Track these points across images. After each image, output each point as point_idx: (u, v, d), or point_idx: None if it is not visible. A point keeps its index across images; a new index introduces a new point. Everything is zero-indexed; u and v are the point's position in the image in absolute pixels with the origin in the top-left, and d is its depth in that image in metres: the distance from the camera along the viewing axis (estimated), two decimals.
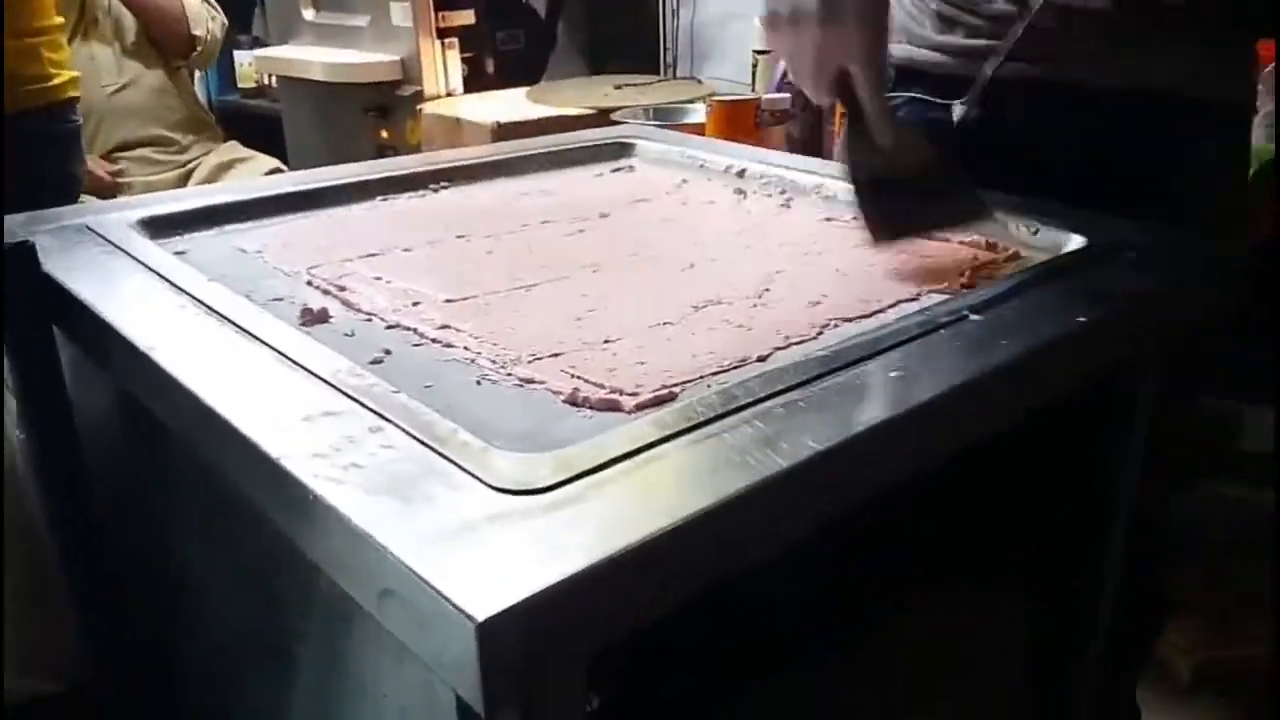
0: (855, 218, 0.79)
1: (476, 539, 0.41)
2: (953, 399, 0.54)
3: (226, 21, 2.44)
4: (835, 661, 0.63)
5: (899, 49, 1.00)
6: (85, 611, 0.85)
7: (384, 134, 2.21)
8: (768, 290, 0.71)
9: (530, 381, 0.58)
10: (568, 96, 1.94)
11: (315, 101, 2.40)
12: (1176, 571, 1.41)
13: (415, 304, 0.69)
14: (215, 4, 2.40)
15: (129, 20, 2.30)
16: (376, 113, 2.20)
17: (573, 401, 0.56)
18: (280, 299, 0.70)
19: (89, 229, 0.79)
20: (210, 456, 0.54)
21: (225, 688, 0.76)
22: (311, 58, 2.33)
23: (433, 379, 0.58)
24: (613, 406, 0.55)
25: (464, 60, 2.19)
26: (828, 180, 0.94)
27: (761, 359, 0.60)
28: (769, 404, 0.52)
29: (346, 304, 0.69)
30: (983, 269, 0.74)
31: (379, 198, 0.94)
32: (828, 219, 0.88)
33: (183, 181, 2.35)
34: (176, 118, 2.40)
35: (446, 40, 2.16)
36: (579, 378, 0.58)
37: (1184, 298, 0.75)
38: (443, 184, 0.99)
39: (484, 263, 0.78)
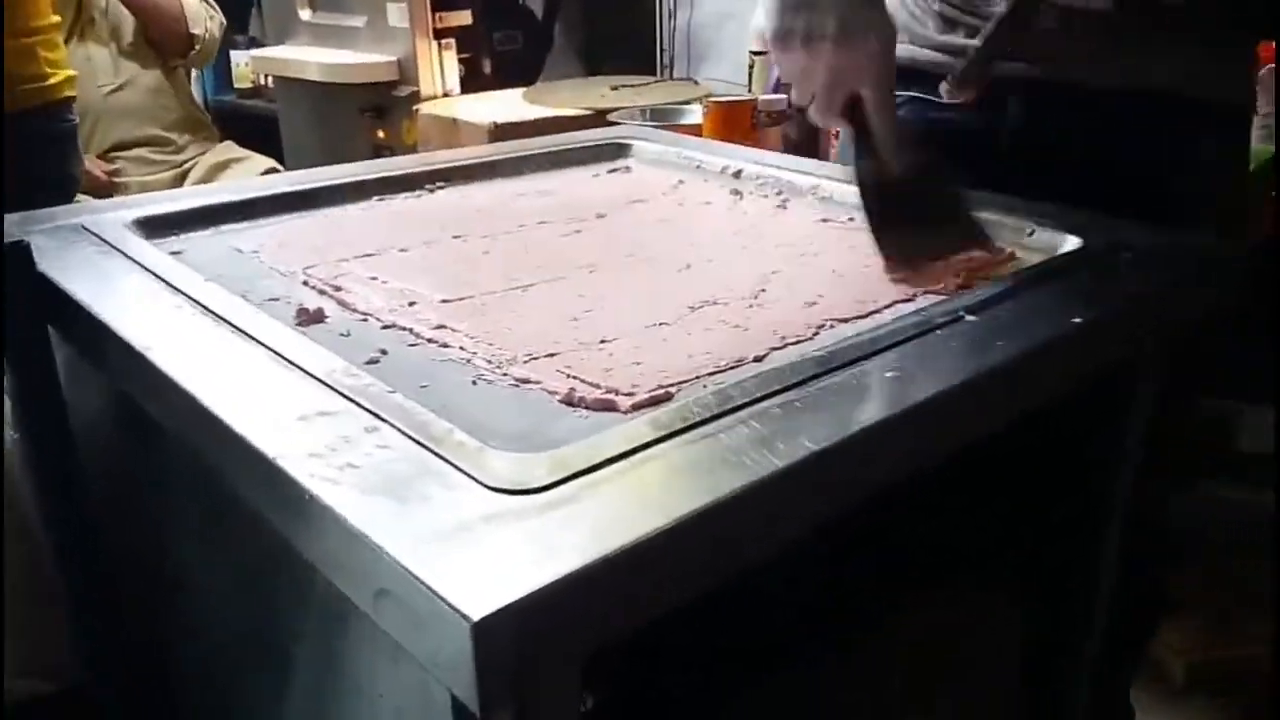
0: (871, 240, 0.78)
1: (472, 539, 0.41)
2: (948, 400, 0.54)
3: (224, 21, 2.44)
4: (831, 661, 0.63)
5: (901, 49, 1.00)
6: (81, 612, 0.85)
7: (380, 134, 2.21)
8: (764, 291, 0.71)
9: (526, 381, 0.58)
10: (564, 97, 1.94)
11: (311, 102, 2.39)
12: (1175, 572, 1.42)
13: (411, 304, 0.69)
14: (213, 3, 2.40)
15: (126, 20, 2.30)
16: (373, 113, 2.20)
17: (569, 401, 0.56)
18: (276, 299, 0.70)
19: (85, 229, 0.79)
20: (206, 457, 0.54)
21: (223, 688, 0.76)
22: (308, 58, 2.33)
23: (429, 379, 0.58)
24: (609, 407, 0.55)
25: (461, 61, 2.19)
26: (824, 181, 0.94)
27: (758, 359, 0.60)
28: (765, 404, 0.52)
29: (342, 304, 0.69)
30: (979, 270, 0.74)
31: (375, 198, 0.94)
32: (824, 220, 0.88)
33: (179, 181, 2.35)
34: (173, 118, 2.39)
35: (443, 41, 2.16)
36: (575, 378, 0.58)
37: (1181, 298, 0.75)
38: (439, 184, 0.99)
39: (480, 263, 0.78)
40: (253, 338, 0.59)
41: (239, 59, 3.10)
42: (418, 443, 0.48)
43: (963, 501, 0.68)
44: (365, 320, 0.67)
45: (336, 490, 0.43)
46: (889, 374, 0.56)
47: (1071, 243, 0.76)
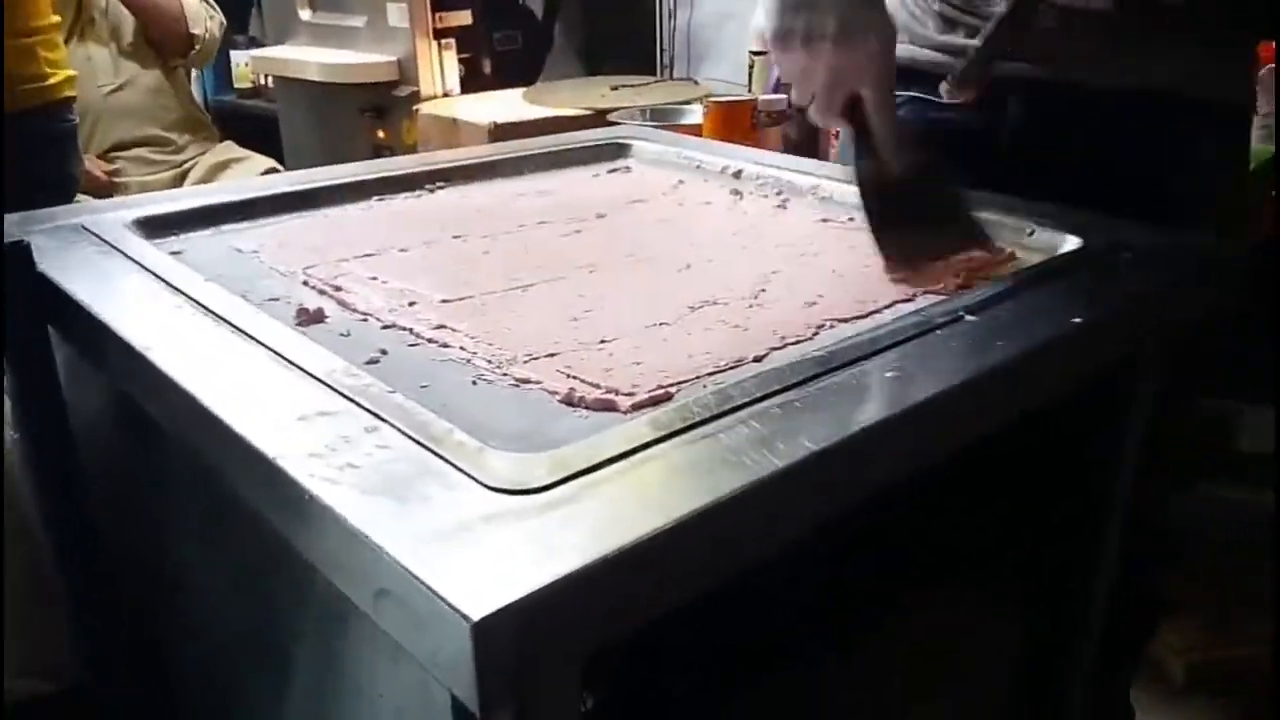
0: (871, 240, 0.78)
1: (472, 539, 0.41)
2: (948, 400, 0.54)
3: (224, 21, 2.44)
4: (831, 661, 0.63)
5: (900, 49, 1.00)
6: (81, 612, 0.85)
7: (380, 134, 2.21)
8: (764, 291, 0.71)
9: (526, 382, 0.58)
10: (564, 97, 1.94)
11: (311, 102, 2.40)
12: (1175, 572, 1.42)
13: (411, 304, 0.69)
14: (213, 3, 2.40)
15: (126, 20, 2.30)
16: (373, 113, 2.21)
17: (569, 401, 0.56)
18: (276, 299, 0.70)
19: (85, 229, 0.79)
20: (206, 457, 0.54)
21: (223, 688, 0.76)
22: (308, 58, 2.33)
23: (429, 379, 0.58)
24: (609, 407, 0.55)
25: (461, 61, 2.19)
26: (824, 181, 0.94)
27: (758, 359, 0.60)
28: (765, 404, 0.52)
29: (342, 304, 0.69)
30: (979, 270, 0.74)
31: (375, 198, 0.94)
32: (824, 220, 0.88)
33: (179, 181, 2.35)
34: (173, 118, 2.39)
35: (443, 41, 2.16)
36: (575, 378, 0.58)
37: (1181, 298, 0.75)
38: (439, 184, 0.99)
39: (480, 263, 0.78)
40: (253, 338, 0.59)
41: (239, 59, 3.10)
42: (418, 443, 0.48)
43: (962, 501, 0.68)
44: (365, 320, 0.67)
45: (336, 490, 0.43)
46: (889, 374, 0.56)
47: (1071, 243, 0.76)
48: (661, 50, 2.68)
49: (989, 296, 0.66)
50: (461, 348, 0.62)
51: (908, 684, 0.71)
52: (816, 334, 0.64)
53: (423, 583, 0.38)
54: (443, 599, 0.37)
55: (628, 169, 1.07)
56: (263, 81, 3.00)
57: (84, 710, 0.92)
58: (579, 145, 1.12)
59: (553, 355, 0.61)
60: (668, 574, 0.42)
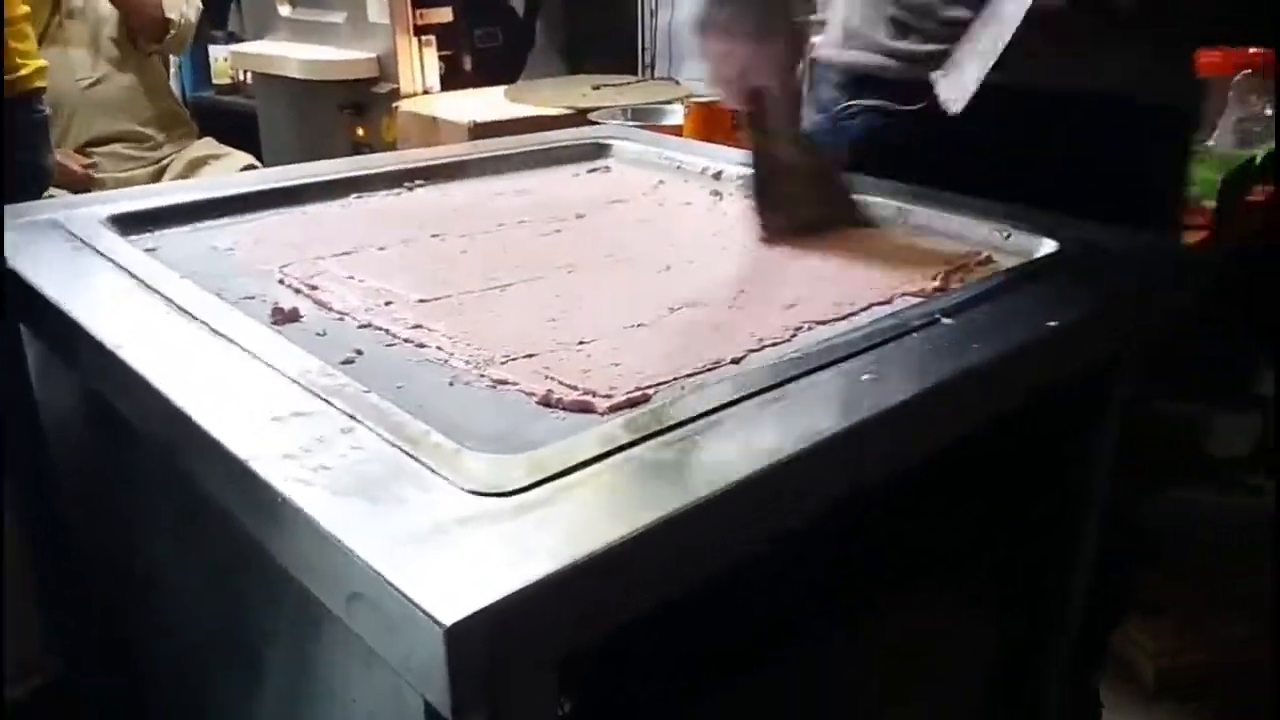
0: (754, 216, 0.86)
1: (446, 542, 0.41)
2: (924, 403, 0.54)
3: (201, 6, 2.42)
4: (806, 663, 0.63)
5: (854, 55, 1.01)
6: (52, 609, 0.84)
7: (360, 132, 2.20)
8: (743, 292, 0.71)
9: (503, 383, 0.57)
10: (545, 96, 1.93)
11: (290, 98, 2.38)
12: (1150, 573, 1.43)
13: (388, 303, 0.68)
14: None
15: (105, 14, 2.28)
16: (352, 110, 2.19)
17: (546, 403, 0.55)
18: (252, 297, 0.69)
19: (58, 224, 0.78)
20: (178, 457, 0.54)
21: (195, 688, 0.75)
22: (287, 54, 2.31)
23: (405, 379, 0.57)
24: (586, 408, 0.55)
25: (441, 58, 2.18)
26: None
27: (735, 361, 0.60)
28: (741, 407, 0.52)
29: (318, 303, 0.69)
30: (956, 273, 0.75)
31: (353, 195, 0.94)
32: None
33: (156, 178, 2.33)
34: (150, 113, 2.37)
35: (424, 38, 2.15)
36: (553, 379, 0.58)
37: (1156, 301, 0.75)
38: (418, 182, 0.98)
39: (458, 262, 0.77)
40: (227, 337, 0.59)
41: (218, 54, 3.07)
42: (393, 444, 0.47)
43: (938, 503, 0.68)
44: (341, 319, 0.66)
45: (309, 492, 0.43)
46: (865, 377, 0.56)
47: (1048, 246, 0.77)
48: (643, 50, 2.68)
49: (965, 299, 0.66)
50: (438, 348, 0.62)
51: (883, 686, 0.71)
52: (794, 336, 0.64)
53: (395, 587, 0.37)
54: (415, 603, 0.37)
55: (608, 169, 1.07)
56: (242, 77, 2.98)
57: (55, 709, 0.91)
58: (559, 145, 1.12)
59: (530, 356, 0.61)
60: (642, 577, 0.42)
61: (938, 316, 0.63)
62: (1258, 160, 1.53)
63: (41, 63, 1.49)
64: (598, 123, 1.59)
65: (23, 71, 1.44)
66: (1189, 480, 1.65)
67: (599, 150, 1.11)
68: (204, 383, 0.54)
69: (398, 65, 2.13)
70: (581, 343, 0.63)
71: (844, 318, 0.67)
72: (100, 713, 0.86)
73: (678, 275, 0.76)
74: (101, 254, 0.72)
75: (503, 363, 0.60)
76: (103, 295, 0.66)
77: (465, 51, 2.30)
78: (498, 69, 2.42)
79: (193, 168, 2.37)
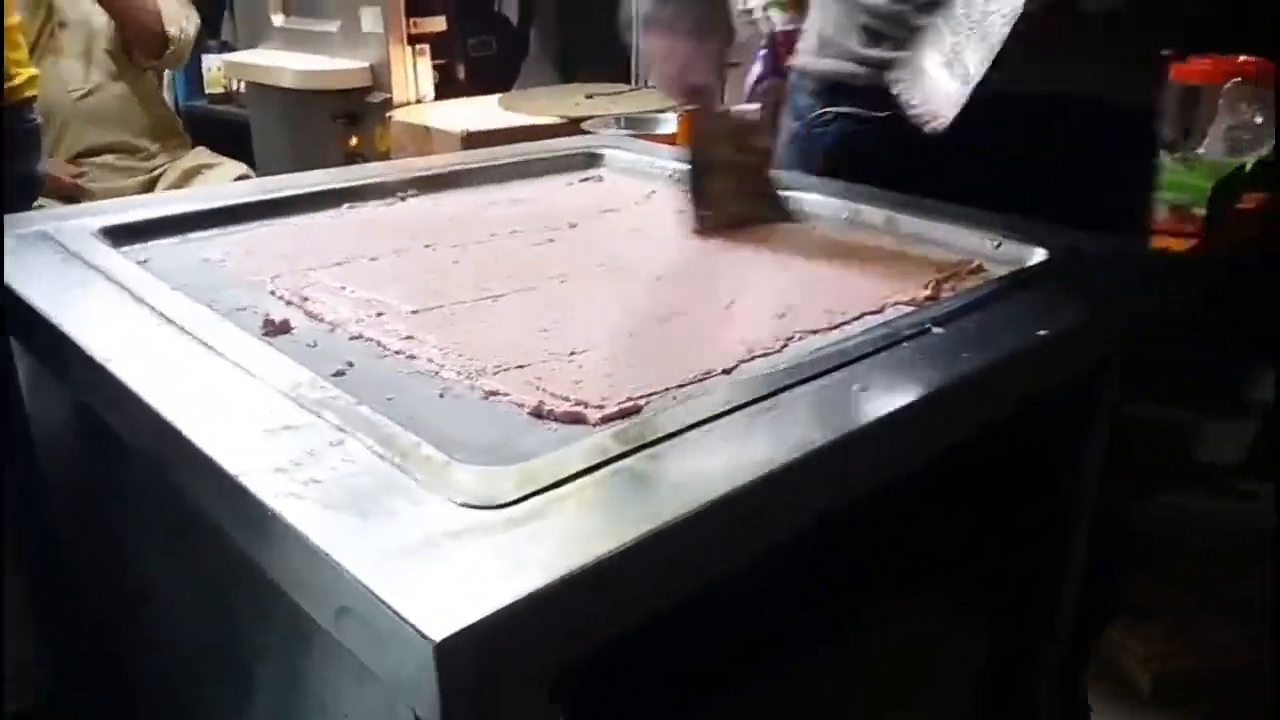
0: (685, 203, 0.90)
1: (437, 555, 0.40)
2: (914, 413, 0.54)
3: (200, 21, 2.41)
4: (798, 674, 0.63)
5: (828, 63, 1.02)
6: (43, 623, 0.83)
7: (353, 141, 2.20)
8: (734, 302, 0.71)
9: (495, 394, 0.57)
10: (539, 105, 1.94)
11: (284, 108, 2.38)
12: (1142, 577, 1.43)
13: (379, 314, 0.68)
14: (190, 3, 2.38)
15: (98, 24, 2.27)
16: (346, 119, 2.19)
17: (537, 414, 0.55)
18: (243, 309, 0.69)
19: (49, 236, 0.78)
20: (169, 471, 0.53)
21: (186, 703, 0.75)
22: (280, 63, 2.31)
23: (396, 391, 0.57)
24: (577, 419, 0.55)
25: (435, 67, 2.18)
26: (795, 193, 0.94)
27: (726, 371, 0.60)
28: (732, 418, 0.52)
29: (310, 314, 0.68)
30: (947, 281, 0.75)
31: (346, 206, 0.94)
32: (796, 231, 0.88)
33: (149, 188, 2.33)
34: (143, 124, 2.37)
35: (417, 47, 2.15)
36: (544, 390, 0.57)
37: (1145, 309, 0.75)
38: (411, 192, 0.98)
39: (450, 272, 0.77)
40: (217, 349, 0.59)
41: (211, 63, 3.07)
42: (383, 457, 0.47)
43: (928, 511, 0.68)
44: (333, 331, 0.66)
45: (299, 506, 0.43)
46: (856, 387, 0.56)
47: (1038, 255, 0.77)
48: (636, 59, 2.68)
49: (956, 308, 0.66)
50: (430, 359, 0.62)
51: (875, 695, 0.71)
52: (785, 346, 0.64)
53: (384, 601, 0.37)
54: (404, 618, 0.36)
55: (600, 178, 1.07)
56: (235, 87, 2.97)
57: None
58: (552, 154, 1.12)
59: (522, 367, 0.61)
60: (633, 590, 0.42)
61: (929, 326, 0.63)
62: (1248, 168, 1.54)
63: (33, 71, 1.49)
64: (591, 132, 1.59)
65: (16, 81, 1.44)
66: (1179, 485, 1.65)
67: (591, 160, 1.11)
68: (194, 396, 0.54)
69: (391, 74, 2.13)
70: (573, 353, 0.63)
71: (835, 327, 0.67)
72: None
73: (670, 285, 0.76)
74: (92, 266, 0.72)
75: (494, 374, 0.60)
76: (93, 308, 0.66)
77: (459, 61, 2.30)
78: (491, 78, 2.42)
79: (186, 178, 2.37)
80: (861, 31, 0.98)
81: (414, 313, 0.69)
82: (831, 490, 0.52)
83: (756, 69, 1.95)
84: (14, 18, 1.47)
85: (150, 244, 0.82)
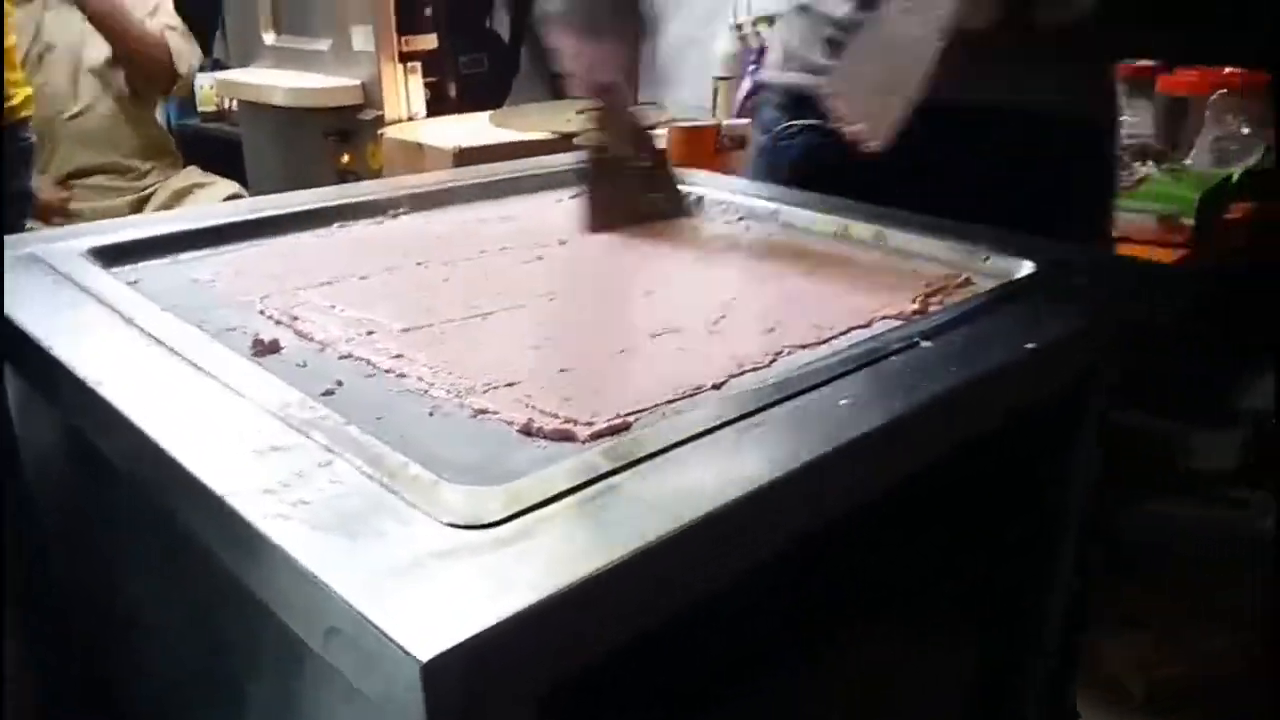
0: (579, 198, 0.94)
1: (424, 575, 0.40)
2: (903, 426, 0.54)
3: (201, 53, 2.43)
4: (786, 691, 0.62)
5: (792, 76, 1.03)
6: (33, 646, 0.83)
7: (345, 158, 2.20)
8: (724, 317, 0.72)
9: (484, 412, 0.57)
10: (530, 121, 1.94)
11: (276, 126, 2.38)
12: (1131, 585, 1.44)
13: (369, 333, 0.68)
14: (190, 33, 2.39)
15: (87, 46, 2.28)
16: (337, 137, 2.19)
17: (527, 432, 0.55)
18: (233, 329, 0.69)
19: (38, 258, 0.78)
20: (158, 493, 0.53)
21: None
22: (272, 81, 2.32)
23: (385, 411, 0.57)
24: (567, 437, 0.55)
25: (426, 84, 2.19)
26: (785, 207, 0.95)
27: (716, 387, 0.61)
28: (722, 433, 0.52)
29: (299, 334, 0.69)
30: (935, 295, 0.75)
31: (336, 224, 0.94)
32: (784, 245, 0.89)
33: (139, 208, 2.33)
34: (134, 144, 2.37)
35: (409, 64, 2.15)
36: (534, 407, 0.58)
37: (1133, 320, 0.76)
38: (400, 210, 0.98)
39: (440, 290, 0.78)
40: (207, 370, 0.59)
41: (203, 82, 3.07)
42: (371, 477, 0.47)
43: (915, 526, 0.68)
44: (322, 350, 0.66)
45: (287, 527, 0.43)
46: (844, 401, 0.56)
47: (1025, 268, 0.77)
48: None
49: (944, 322, 0.67)
50: (419, 378, 0.62)
51: (866, 710, 0.71)
52: (774, 361, 0.64)
53: (372, 622, 0.37)
54: (391, 639, 0.36)
55: None
56: (227, 105, 2.98)
57: None
58: (543, 171, 1.12)
59: (512, 384, 0.61)
60: (621, 609, 0.42)
61: (917, 340, 0.63)
62: (1235, 178, 1.55)
63: (29, 91, 1.50)
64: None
65: (13, 100, 1.45)
66: (1169, 494, 1.65)
67: (583, 176, 1.11)
68: (183, 418, 0.54)
69: (382, 92, 2.13)
70: (563, 370, 0.63)
71: (824, 342, 0.68)
72: None
73: (659, 301, 0.76)
74: (82, 287, 0.72)
75: (484, 392, 0.60)
76: (82, 330, 0.66)
77: (450, 78, 2.31)
78: (483, 95, 2.43)
79: (177, 197, 2.37)
80: (825, 44, 0.99)
81: (404, 331, 0.69)
82: (820, 506, 0.52)
83: (746, 84, 1.96)
84: (11, 39, 1.48)
85: (140, 265, 0.82)
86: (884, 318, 0.71)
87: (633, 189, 0.94)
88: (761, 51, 1.93)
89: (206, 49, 3.15)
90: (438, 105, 2.23)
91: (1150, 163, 1.59)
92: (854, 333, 0.69)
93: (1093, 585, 1.00)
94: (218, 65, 3.08)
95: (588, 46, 0.90)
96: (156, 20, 2.31)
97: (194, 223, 0.89)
